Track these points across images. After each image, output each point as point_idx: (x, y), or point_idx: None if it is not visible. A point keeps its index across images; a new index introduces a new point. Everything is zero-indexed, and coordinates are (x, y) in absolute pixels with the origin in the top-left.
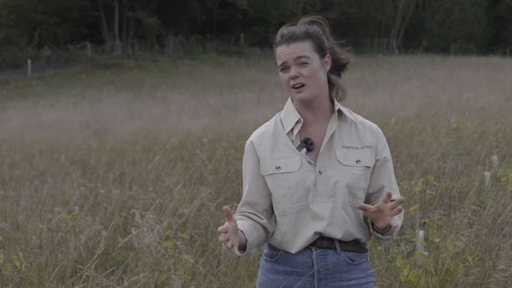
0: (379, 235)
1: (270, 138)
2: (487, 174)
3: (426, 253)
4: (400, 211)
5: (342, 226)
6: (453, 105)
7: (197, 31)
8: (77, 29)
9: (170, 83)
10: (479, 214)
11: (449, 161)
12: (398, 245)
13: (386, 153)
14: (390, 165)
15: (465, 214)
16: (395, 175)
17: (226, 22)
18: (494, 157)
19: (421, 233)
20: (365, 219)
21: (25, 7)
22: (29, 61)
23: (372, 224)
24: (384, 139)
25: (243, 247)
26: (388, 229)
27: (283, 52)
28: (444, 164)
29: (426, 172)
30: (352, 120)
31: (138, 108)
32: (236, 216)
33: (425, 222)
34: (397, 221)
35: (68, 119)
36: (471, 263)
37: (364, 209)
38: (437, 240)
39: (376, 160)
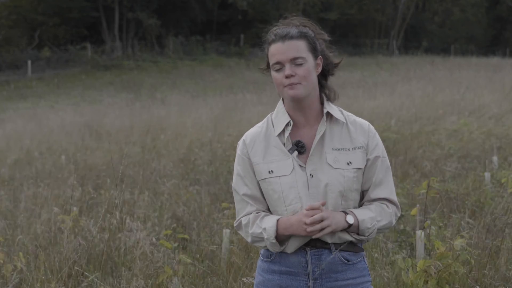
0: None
1: (262, 141)
2: (487, 175)
3: (426, 257)
4: (320, 218)
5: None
6: (454, 107)
7: (197, 32)
8: (77, 30)
9: (170, 84)
10: (479, 216)
11: (449, 162)
12: (400, 246)
13: (377, 151)
14: (381, 162)
15: (465, 215)
16: (395, 176)
17: (226, 23)
18: (494, 158)
19: (421, 234)
20: None
21: (25, 8)
22: (29, 62)
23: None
24: (377, 136)
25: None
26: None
27: (278, 50)
28: (443, 166)
29: (426, 174)
30: (343, 122)
31: (138, 109)
32: (260, 215)
33: (427, 225)
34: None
35: (68, 120)
36: (472, 263)
37: None
38: (441, 248)
39: (367, 160)
